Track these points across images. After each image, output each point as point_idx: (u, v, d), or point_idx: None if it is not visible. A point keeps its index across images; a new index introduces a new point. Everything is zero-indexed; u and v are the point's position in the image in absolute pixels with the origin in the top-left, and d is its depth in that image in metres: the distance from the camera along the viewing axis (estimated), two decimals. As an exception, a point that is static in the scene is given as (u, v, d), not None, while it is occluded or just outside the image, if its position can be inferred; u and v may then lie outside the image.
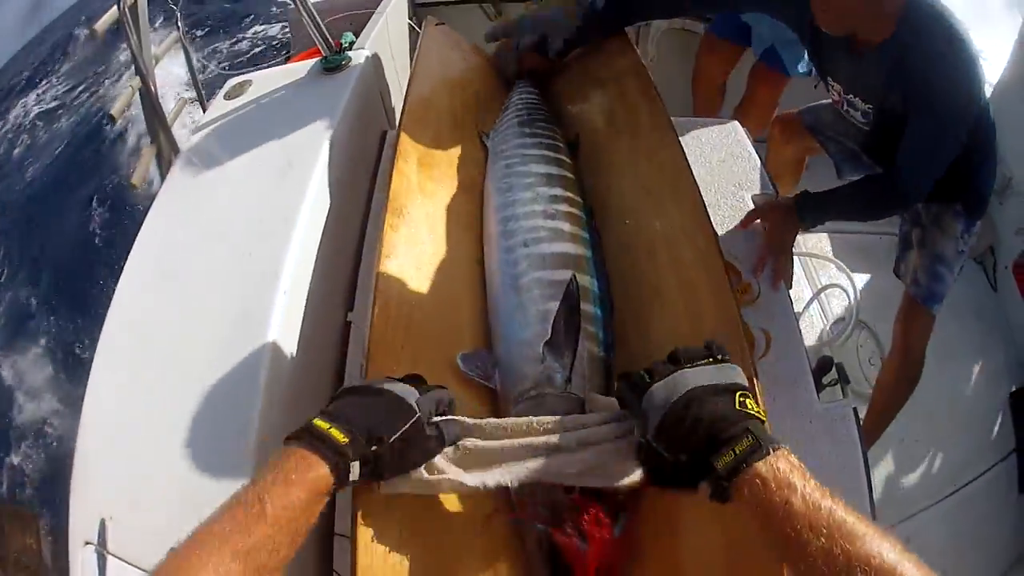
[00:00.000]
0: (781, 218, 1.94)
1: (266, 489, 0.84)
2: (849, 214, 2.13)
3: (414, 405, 1.03)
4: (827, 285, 2.62)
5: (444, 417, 1.10)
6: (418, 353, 1.40)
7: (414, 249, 1.57)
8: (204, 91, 3.08)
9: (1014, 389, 2.78)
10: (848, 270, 2.46)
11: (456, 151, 1.91)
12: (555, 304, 1.44)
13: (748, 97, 3.15)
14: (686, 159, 1.67)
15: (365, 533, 1.06)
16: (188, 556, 0.76)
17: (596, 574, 1.10)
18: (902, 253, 2.40)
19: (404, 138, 1.77)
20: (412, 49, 2.79)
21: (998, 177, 2.39)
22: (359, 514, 1.07)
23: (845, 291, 2.42)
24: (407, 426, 1.00)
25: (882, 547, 0.76)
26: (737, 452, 0.87)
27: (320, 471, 0.89)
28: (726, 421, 0.91)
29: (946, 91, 1.75)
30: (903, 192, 1.92)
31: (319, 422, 0.94)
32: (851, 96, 2.02)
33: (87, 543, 1.34)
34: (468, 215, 1.76)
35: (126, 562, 1.32)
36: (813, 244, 3.12)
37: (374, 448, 0.96)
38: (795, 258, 1.97)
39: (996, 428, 2.72)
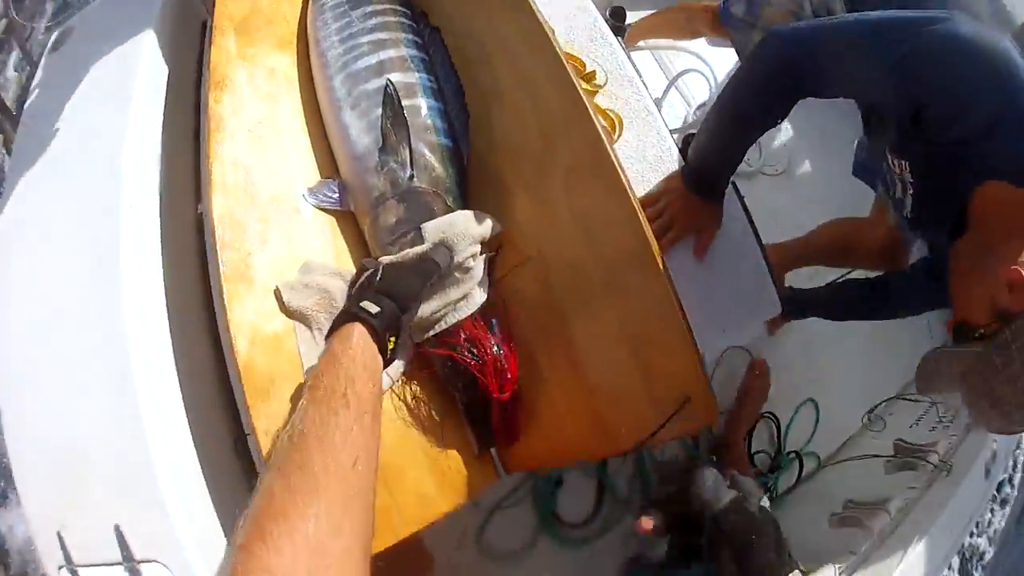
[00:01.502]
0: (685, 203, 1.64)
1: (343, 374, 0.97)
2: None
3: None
4: (683, 71, 2.64)
5: None
6: (267, 216, 1.44)
7: (242, 116, 1.58)
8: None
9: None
10: (704, 58, 2.48)
11: (273, 12, 1.90)
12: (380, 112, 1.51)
13: None
14: None
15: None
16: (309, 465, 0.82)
17: (496, 373, 1.31)
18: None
19: (218, 11, 1.76)
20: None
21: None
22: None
23: (703, 75, 2.44)
24: None
25: None
26: None
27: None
28: None
29: None
30: None
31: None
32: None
33: (60, 567, 1.30)
34: (294, 66, 1.78)
35: (95, 565, 1.28)
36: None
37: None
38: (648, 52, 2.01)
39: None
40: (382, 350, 1.07)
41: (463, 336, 1.35)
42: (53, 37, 2.25)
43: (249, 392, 1.22)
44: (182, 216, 1.80)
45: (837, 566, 1.75)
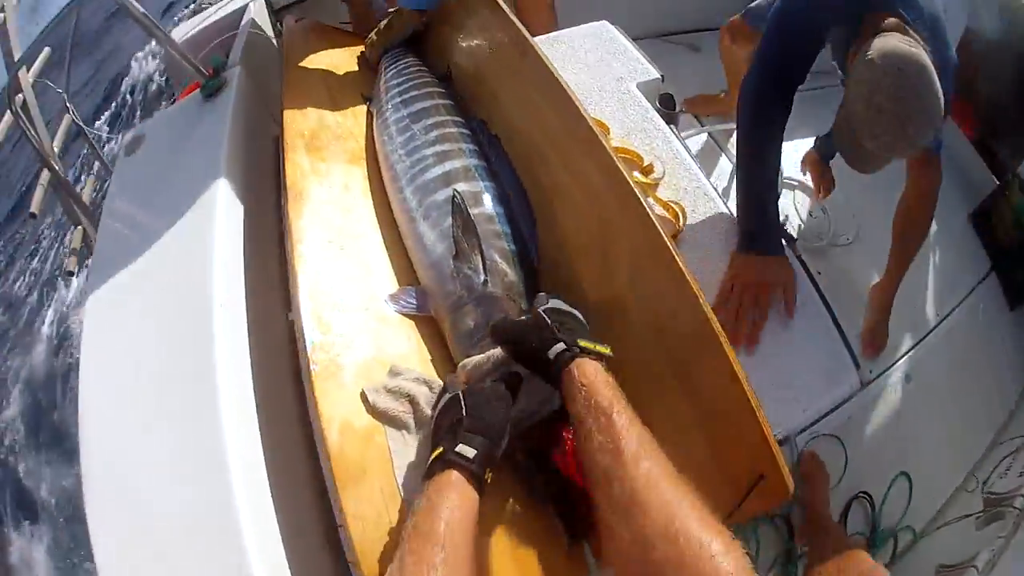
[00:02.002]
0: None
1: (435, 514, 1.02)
2: None
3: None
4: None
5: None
6: (353, 320, 1.56)
7: (321, 228, 1.72)
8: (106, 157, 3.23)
9: (971, 211, 2.77)
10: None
11: (340, 128, 2.09)
12: (451, 221, 1.64)
13: None
14: (551, 68, 1.78)
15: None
16: None
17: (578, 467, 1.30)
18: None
19: (288, 131, 1.94)
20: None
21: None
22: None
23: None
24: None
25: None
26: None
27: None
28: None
29: None
30: None
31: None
32: None
33: None
34: (365, 179, 1.94)
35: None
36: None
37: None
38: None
39: (965, 253, 2.67)
40: (480, 488, 1.11)
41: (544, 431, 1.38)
42: (125, 142, 2.42)
43: (339, 480, 1.30)
44: (270, 316, 1.93)
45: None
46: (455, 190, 1.70)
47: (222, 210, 1.90)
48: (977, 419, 2.37)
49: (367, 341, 1.55)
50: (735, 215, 1.94)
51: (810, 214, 2.54)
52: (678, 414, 1.34)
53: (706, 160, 2.79)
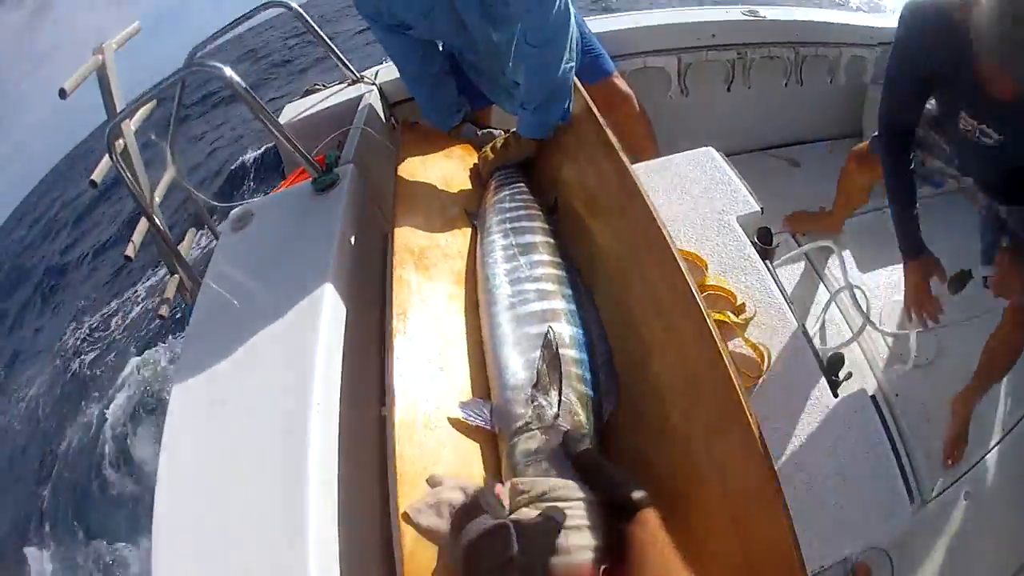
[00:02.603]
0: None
1: None
2: None
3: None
4: (837, 289, 2.83)
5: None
6: (441, 438, 1.69)
7: (421, 347, 1.85)
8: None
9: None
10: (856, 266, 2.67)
11: (448, 247, 2.22)
12: (538, 353, 1.76)
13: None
14: (654, 214, 1.87)
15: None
16: None
17: None
18: (988, 262, 2.53)
19: (398, 246, 2.08)
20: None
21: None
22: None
23: (854, 292, 2.61)
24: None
25: None
26: None
27: None
28: None
29: None
30: None
31: None
32: (984, 127, 2.15)
33: None
34: (463, 301, 2.07)
35: None
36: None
37: None
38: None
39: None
40: None
41: None
42: (232, 216, 2.58)
43: None
44: (365, 415, 2.04)
45: None
46: (550, 327, 1.82)
47: (328, 307, 2.02)
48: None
49: (452, 459, 1.66)
50: (821, 356, 2.02)
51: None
52: (730, 560, 1.40)
53: (800, 290, 2.87)
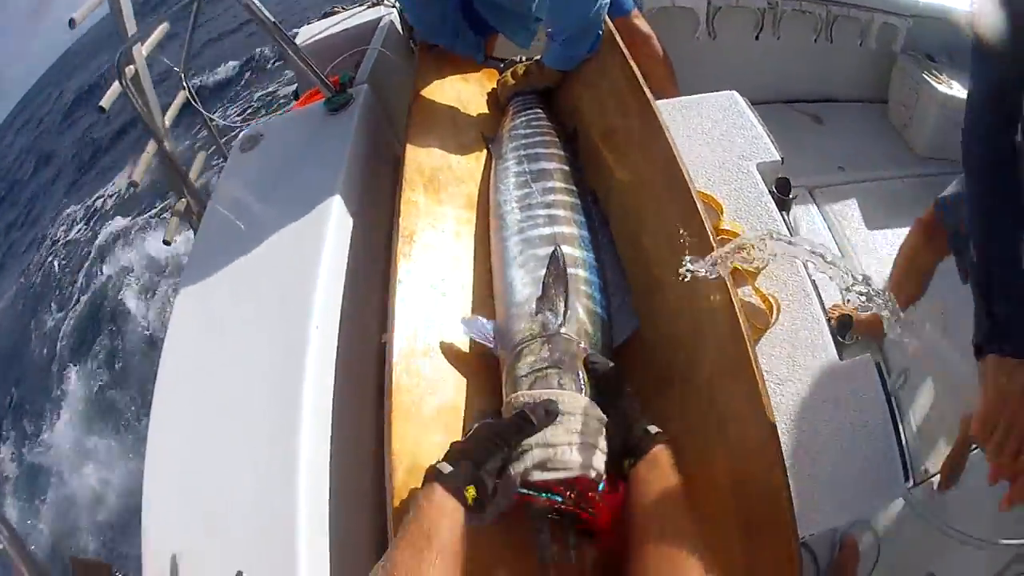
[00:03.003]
0: None
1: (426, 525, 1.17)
2: None
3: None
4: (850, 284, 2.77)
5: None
6: (440, 366, 1.66)
7: (426, 271, 1.82)
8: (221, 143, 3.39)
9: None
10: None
11: (461, 170, 2.18)
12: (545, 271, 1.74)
13: None
14: (675, 152, 1.84)
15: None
16: None
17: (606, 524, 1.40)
18: None
19: (409, 167, 2.03)
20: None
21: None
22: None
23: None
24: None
25: None
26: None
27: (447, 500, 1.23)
28: None
29: None
30: None
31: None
32: None
33: None
34: (474, 226, 2.04)
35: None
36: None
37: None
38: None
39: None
40: (462, 501, 1.24)
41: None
42: (242, 136, 2.55)
43: (399, 514, 1.39)
44: (365, 341, 2.02)
45: None
46: (558, 246, 1.80)
47: (333, 228, 1.99)
48: (1007, 528, 2.26)
49: (449, 390, 1.64)
50: (830, 318, 1.96)
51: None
52: (725, 516, 1.39)
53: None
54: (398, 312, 1.69)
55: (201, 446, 1.68)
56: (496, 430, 1.38)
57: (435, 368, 1.65)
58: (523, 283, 1.76)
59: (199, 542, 1.52)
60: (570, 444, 1.37)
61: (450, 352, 1.70)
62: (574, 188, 2.05)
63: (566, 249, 1.81)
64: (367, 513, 1.73)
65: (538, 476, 1.36)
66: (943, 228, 2.13)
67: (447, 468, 1.27)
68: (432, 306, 1.77)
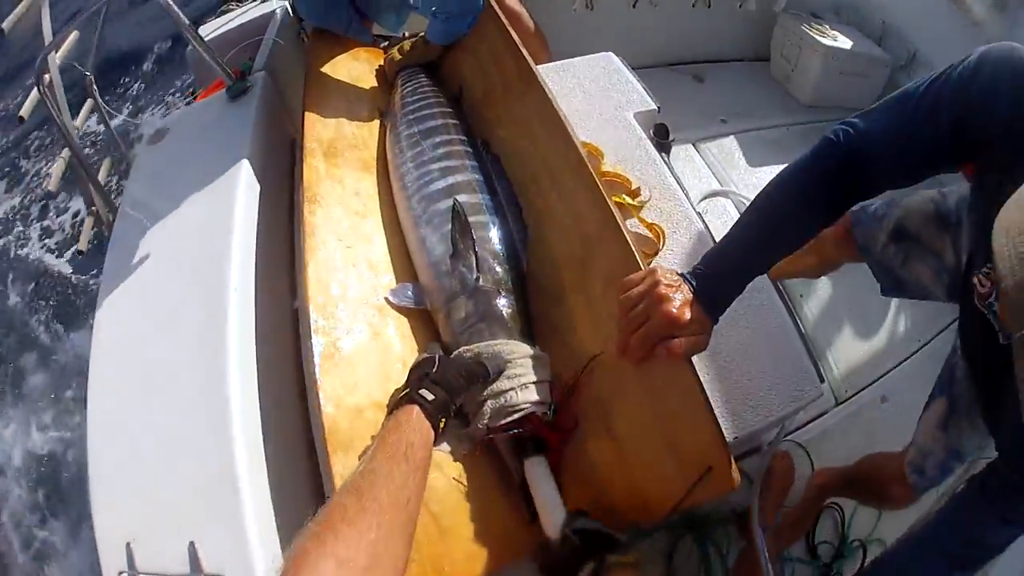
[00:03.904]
0: None
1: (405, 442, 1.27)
2: None
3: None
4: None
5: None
6: (354, 311, 1.78)
7: (332, 227, 1.94)
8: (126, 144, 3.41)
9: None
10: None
11: (355, 138, 2.31)
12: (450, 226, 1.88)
13: None
14: (551, 97, 2.00)
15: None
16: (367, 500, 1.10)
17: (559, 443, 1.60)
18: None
19: (308, 137, 2.15)
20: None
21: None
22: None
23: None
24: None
25: None
26: None
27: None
28: None
29: None
30: None
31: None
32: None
33: (120, 572, 1.47)
34: (375, 185, 2.18)
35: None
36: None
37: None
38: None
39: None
40: (435, 427, 1.37)
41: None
42: (149, 133, 2.61)
43: (331, 448, 1.50)
44: (277, 303, 2.12)
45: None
46: (456, 200, 1.93)
47: (241, 206, 2.08)
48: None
49: (365, 329, 1.76)
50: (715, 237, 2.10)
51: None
52: (640, 413, 1.51)
53: (696, 185, 2.99)
54: (309, 263, 1.80)
55: (139, 428, 1.73)
56: (462, 371, 1.55)
57: (349, 312, 1.77)
58: (434, 241, 1.90)
59: (149, 523, 1.55)
60: (517, 388, 1.58)
61: (359, 297, 1.83)
62: (463, 138, 2.20)
63: (463, 198, 1.95)
64: (302, 463, 1.84)
65: (499, 422, 1.56)
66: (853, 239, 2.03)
67: (429, 396, 1.40)
68: (340, 257, 1.88)
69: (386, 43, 2.90)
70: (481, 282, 1.77)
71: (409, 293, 1.87)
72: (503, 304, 1.77)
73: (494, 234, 1.90)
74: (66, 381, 6.29)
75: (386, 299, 1.85)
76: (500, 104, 2.26)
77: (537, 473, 1.54)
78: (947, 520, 1.46)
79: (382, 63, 2.72)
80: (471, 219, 1.89)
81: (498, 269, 1.83)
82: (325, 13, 2.74)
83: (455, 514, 1.52)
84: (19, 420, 6.29)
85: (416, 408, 1.36)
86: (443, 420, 1.42)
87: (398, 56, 2.64)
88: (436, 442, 1.39)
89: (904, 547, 1.54)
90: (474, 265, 1.80)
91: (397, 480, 1.17)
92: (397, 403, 1.40)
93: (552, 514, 1.46)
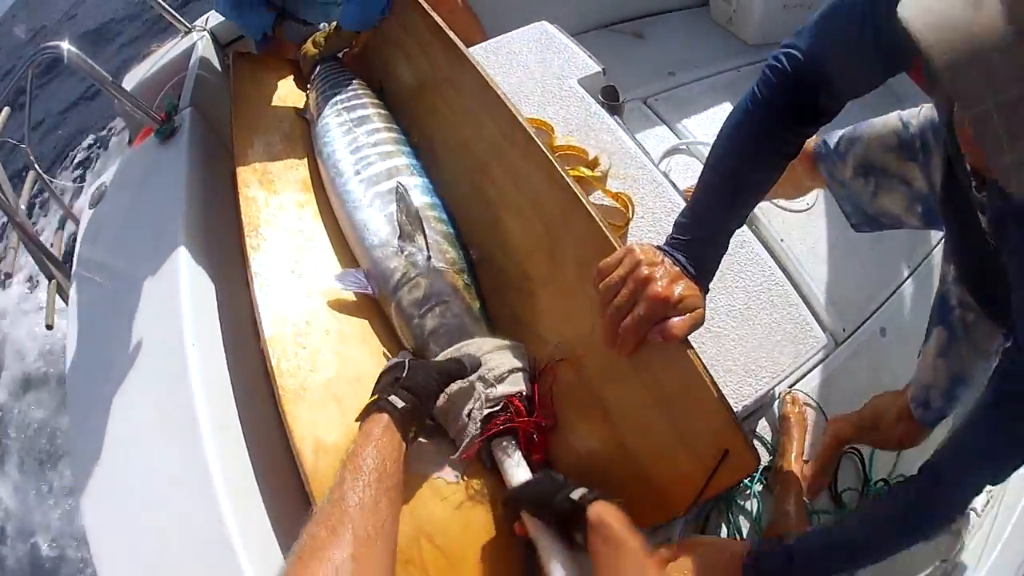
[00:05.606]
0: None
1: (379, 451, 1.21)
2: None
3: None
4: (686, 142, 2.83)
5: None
6: (316, 345, 1.64)
7: (278, 257, 1.80)
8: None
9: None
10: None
11: (289, 158, 2.16)
12: (395, 207, 1.79)
13: None
14: (486, 77, 1.83)
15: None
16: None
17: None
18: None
19: (240, 168, 2.00)
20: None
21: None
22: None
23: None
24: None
25: None
26: None
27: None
28: None
29: None
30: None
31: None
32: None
33: None
34: (315, 204, 2.03)
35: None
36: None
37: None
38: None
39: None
40: (405, 436, 1.29)
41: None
42: (90, 194, 2.47)
43: (317, 495, 1.37)
44: (247, 346, 1.91)
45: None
46: (399, 182, 1.85)
47: (184, 255, 1.93)
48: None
49: (330, 361, 1.62)
50: (683, 194, 1.99)
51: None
52: (636, 395, 1.37)
53: (656, 145, 2.82)
54: (260, 302, 1.67)
55: (130, 494, 1.61)
56: (435, 372, 1.46)
57: (310, 346, 1.62)
58: (377, 223, 1.80)
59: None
60: (494, 383, 1.50)
61: (319, 328, 1.68)
62: (395, 126, 2.12)
63: (403, 180, 1.87)
64: (293, 506, 1.67)
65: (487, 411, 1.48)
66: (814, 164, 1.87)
67: (399, 403, 1.32)
68: (292, 288, 1.74)
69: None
70: (434, 262, 1.69)
71: (357, 277, 1.75)
72: (460, 284, 1.70)
73: (440, 215, 1.83)
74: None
75: (336, 280, 1.74)
76: (434, 94, 2.11)
77: (502, 448, 1.48)
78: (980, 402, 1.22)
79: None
80: (415, 201, 1.82)
81: (448, 248, 1.75)
82: (240, 11, 2.64)
83: (461, 543, 1.40)
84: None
85: (385, 416, 1.29)
86: (414, 428, 1.36)
87: (313, 49, 2.51)
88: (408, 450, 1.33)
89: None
90: (424, 245, 1.71)
91: (369, 505, 1.10)
92: (366, 411, 1.34)
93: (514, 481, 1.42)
